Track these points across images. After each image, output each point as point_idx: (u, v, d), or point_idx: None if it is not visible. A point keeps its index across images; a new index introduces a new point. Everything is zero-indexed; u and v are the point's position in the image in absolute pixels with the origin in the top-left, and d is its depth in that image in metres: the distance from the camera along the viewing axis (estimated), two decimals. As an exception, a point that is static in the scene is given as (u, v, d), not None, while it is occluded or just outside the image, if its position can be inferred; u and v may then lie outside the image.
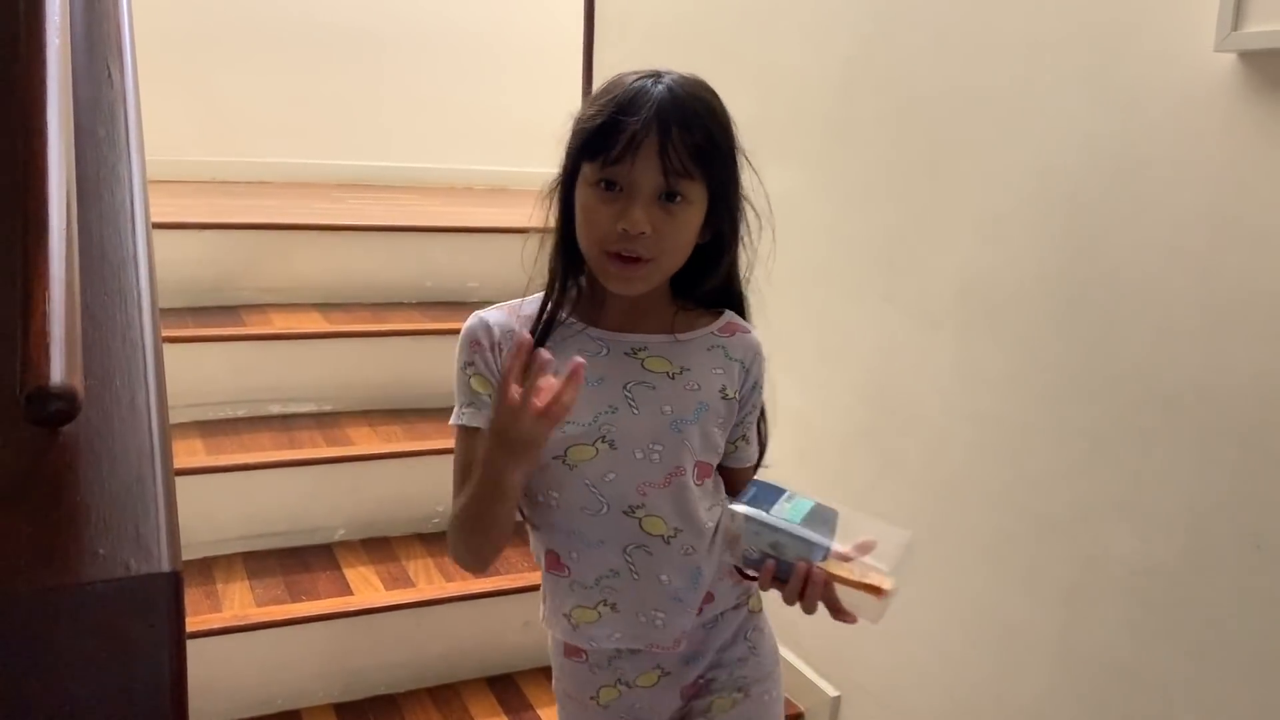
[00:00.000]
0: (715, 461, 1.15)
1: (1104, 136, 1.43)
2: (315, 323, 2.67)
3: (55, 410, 0.84)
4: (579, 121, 1.08)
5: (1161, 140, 1.35)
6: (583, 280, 1.14)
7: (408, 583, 2.17)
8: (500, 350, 1.11)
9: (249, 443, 2.36)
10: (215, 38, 4.15)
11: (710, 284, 1.15)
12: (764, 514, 1.00)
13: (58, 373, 0.83)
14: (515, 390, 0.96)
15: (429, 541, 2.37)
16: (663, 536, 1.11)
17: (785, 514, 1.01)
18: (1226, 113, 1.25)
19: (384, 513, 2.39)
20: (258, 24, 4.22)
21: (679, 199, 1.03)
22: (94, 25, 1.54)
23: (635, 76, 1.06)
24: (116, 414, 0.98)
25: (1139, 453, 1.41)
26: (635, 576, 1.11)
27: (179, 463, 2.19)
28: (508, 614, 2.19)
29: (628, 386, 1.10)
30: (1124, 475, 1.44)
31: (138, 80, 1.54)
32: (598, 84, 3.35)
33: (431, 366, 2.70)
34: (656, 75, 1.06)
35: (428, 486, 2.41)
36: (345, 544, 2.33)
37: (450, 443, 2.66)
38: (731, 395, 1.14)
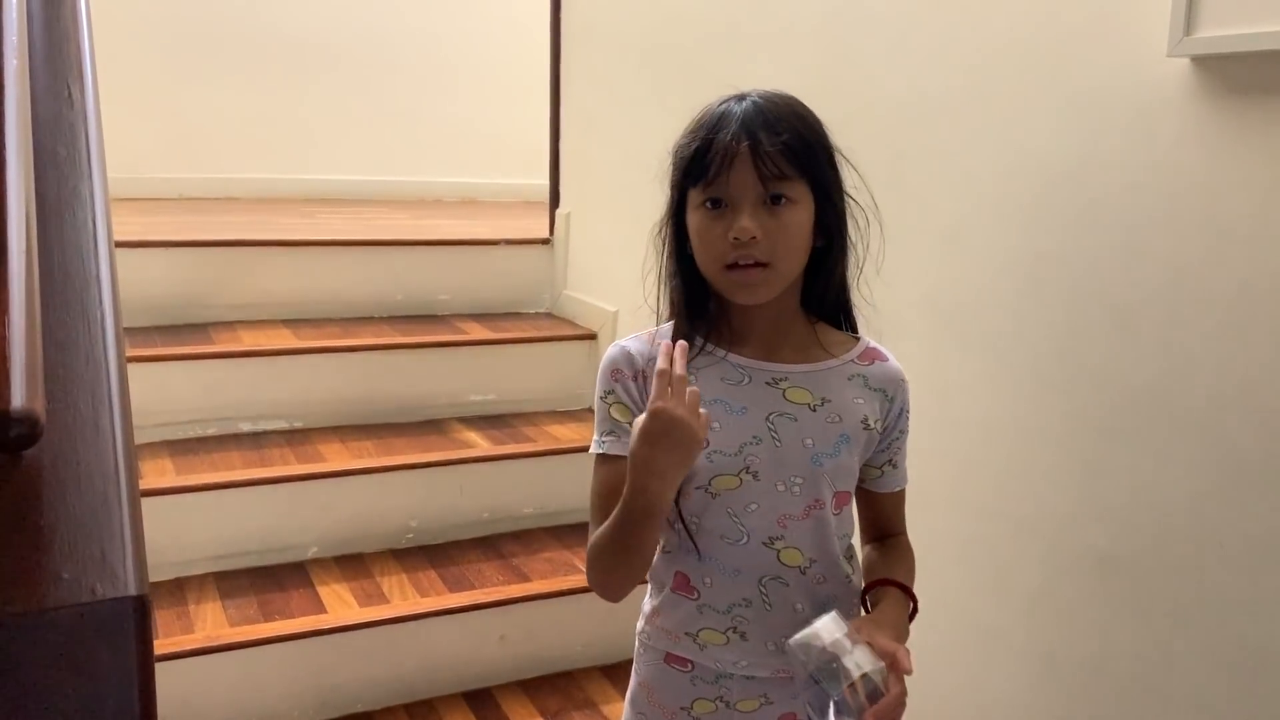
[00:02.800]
0: (852, 488, 1.16)
1: (1062, 141, 1.45)
2: (284, 339, 2.66)
3: (16, 435, 0.83)
4: (677, 152, 1.13)
5: (1118, 144, 1.37)
6: (712, 306, 1.15)
7: (382, 599, 2.16)
8: (643, 379, 1.13)
9: (219, 461, 2.34)
10: (180, 54, 4.13)
11: (829, 290, 1.16)
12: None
13: (18, 397, 0.82)
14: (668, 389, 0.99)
15: (402, 557, 2.36)
16: (799, 568, 1.12)
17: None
18: (1181, 116, 1.27)
19: (357, 529, 2.37)
20: (223, 40, 4.20)
21: (783, 200, 1.06)
22: (54, 45, 1.52)
23: (720, 100, 1.11)
24: (80, 436, 0.97)
25: (1104, 453, 1.43)
26: (768, 606, 1.12)
27: (148, 483, 2.17)
28: (483, 628, 2.19)
29: (770, 418, 1.11)
30: (1090, 476, 1.45)
31: (99, 98, 1.53)
32: (565, 95, 3.30)
33: (402, 381, 2.70)
34: (741, 95, 1.10)
35: (400, 502, 2.40)
36: (318, 561, 2.32)
37: (422, 456, 2.66)
38: (873, 425, 1.14)
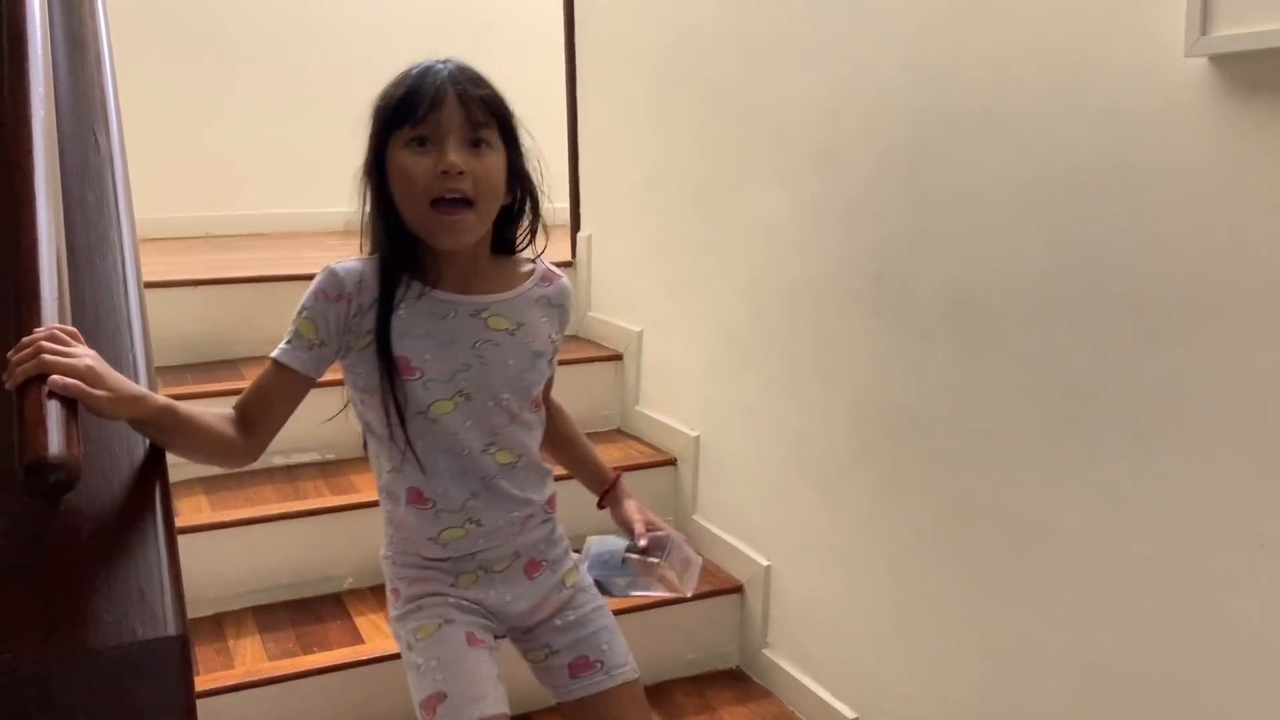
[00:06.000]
0: (541, 392, 1.37)
1: (1081, 144, 1.44)
2: (314, 372, 2.67)
3: (55, 481, 0.84)
4: (380, 103, 1.23)
5: (1138, 145, 1.36)
6: (413, 246, 1.26)
7: (419, 627, 2.17)
8: (349, 302, 1.24)
9: (253, 495, 2.36)
10: (203, 93, 4.19)
11: (513, 240, 1.33)
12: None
13: (55, 444, 0.84)
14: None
15: (438, 584, 2.36)
16: (511, 464, 1.33)
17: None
18: (1201, 115, 1.27)
19: (392, 558, 2.38)
20: (245, 77, 4.26)
21: (484, 145, 1.20)
22: (79, 92, 1.55)
23: (418, 63, 1.24)
24: (116, 478, 0.99)
25: (1140, 457, 1.41)
26: (492, 495, 1.32)
27: (185, 520, 2.19)
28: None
29: (476, 345, 1.27)
30: (1126, 480, 1.44)
31: (124, 143, 1.56)
32: (583, 118, 3.29)
33: (432, 408, 2.71)
34: (441, 60, 1.24)
35: (434, 529, 2.41)
36: (354, 592, 2.33)
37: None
38: (556, 338, 1.36)
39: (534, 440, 1.37)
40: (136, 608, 0.85)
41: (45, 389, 0.90)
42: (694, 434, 2.51)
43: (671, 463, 2.60)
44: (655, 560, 1.40)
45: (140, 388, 1.06)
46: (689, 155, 2.47)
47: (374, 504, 2.33)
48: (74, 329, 0.99)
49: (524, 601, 1.38)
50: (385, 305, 1.24)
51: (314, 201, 4.36)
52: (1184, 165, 1.30)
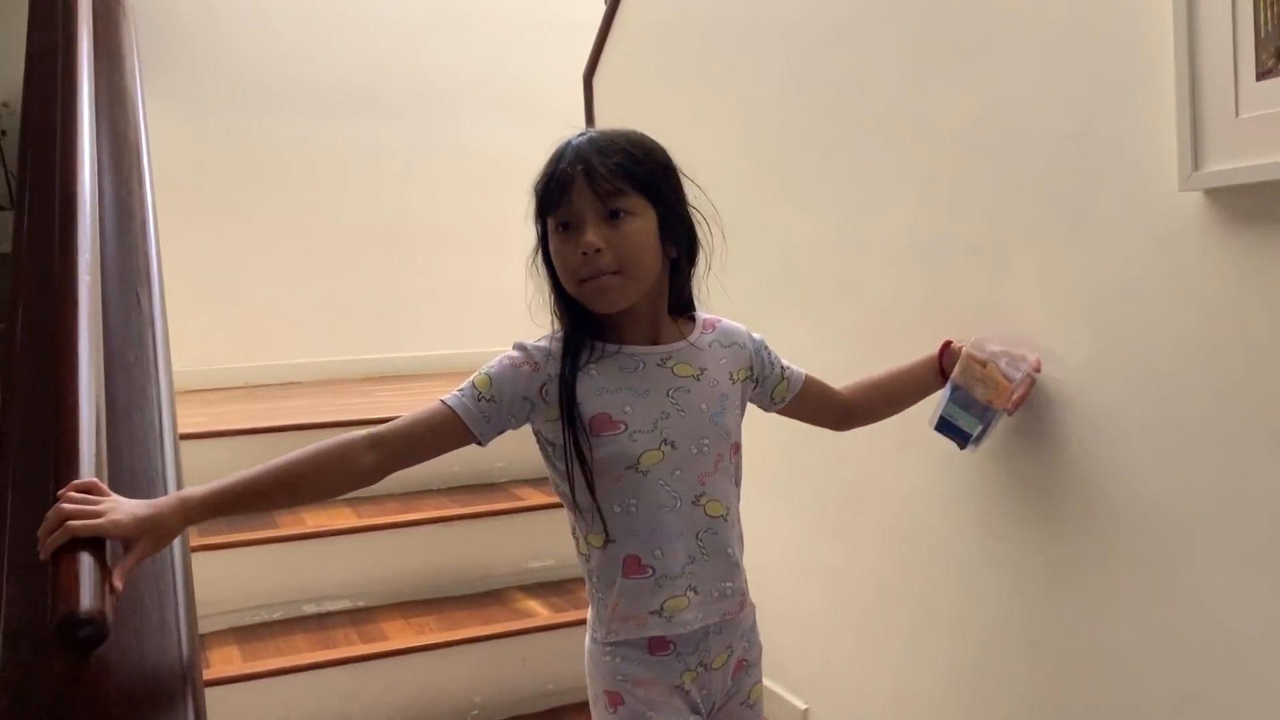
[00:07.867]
0: (740, 437, 1.35)
1: (1086, 277, 1.47)
2: (346, 518, 2.70)
3: (85, 635, 0.86)
4: (533, 188, 1.27)
5: (1139, 276, 1.38)
6: (601, 315, 1.28)
7: (450, 779, 2.12)
8: (537, 370, 1.27)
9: (284, 646, 2.36)
10: (242, 250, 4.36)
11: (686, 290, 1.35)
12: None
13: (87, 598, 0.86)
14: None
15: (469, 734, 2.32)
16: (722, 516, 1.30)
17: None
18: (1202, 246, 1.29)
19: (422, 707, 2.35)
20: (281, 233, 4.44)
21: (622, 214, 1.21)
22: (125, 256, 1.64)
23: (563, 138, 1.26)
24: (146, 634, 1.00)
25: (1180, 580, 1.39)
26: (706, 557, 1.28)
27: (216, 671, 2.18)
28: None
29: (670, 393, 1.27)
30: (1165, 608, 1.41)
31: (165, 302, 1.63)
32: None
33: (462, 552, 2.72)
34: (581, 131, 1.27)
35: (464, 677, 2.38)
36: (385, 743, 2.29)
37: (484, 629, 2.63)
38: (737, 377, 1.35)
39: (736, 495, 1.34)
40: (161, 765, 0.86)
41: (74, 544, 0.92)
42: (725, 572, 2.49)
43: (704, 602, 2.57)
44: (985, 360, 1.51)
45: (173, 505, 1.04)
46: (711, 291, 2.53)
47: (403, 651, 2.34)
48: (93, 481, 1.01)
49: (716, 696, 1.35)
50: (570, 361, 1.26)
51: (349, 349, 4.47)
52: (1190, 293, 1.32)
